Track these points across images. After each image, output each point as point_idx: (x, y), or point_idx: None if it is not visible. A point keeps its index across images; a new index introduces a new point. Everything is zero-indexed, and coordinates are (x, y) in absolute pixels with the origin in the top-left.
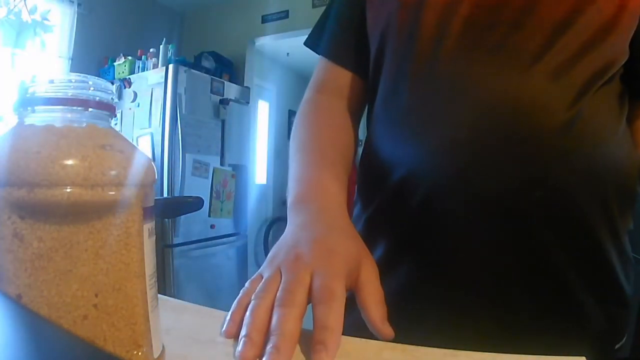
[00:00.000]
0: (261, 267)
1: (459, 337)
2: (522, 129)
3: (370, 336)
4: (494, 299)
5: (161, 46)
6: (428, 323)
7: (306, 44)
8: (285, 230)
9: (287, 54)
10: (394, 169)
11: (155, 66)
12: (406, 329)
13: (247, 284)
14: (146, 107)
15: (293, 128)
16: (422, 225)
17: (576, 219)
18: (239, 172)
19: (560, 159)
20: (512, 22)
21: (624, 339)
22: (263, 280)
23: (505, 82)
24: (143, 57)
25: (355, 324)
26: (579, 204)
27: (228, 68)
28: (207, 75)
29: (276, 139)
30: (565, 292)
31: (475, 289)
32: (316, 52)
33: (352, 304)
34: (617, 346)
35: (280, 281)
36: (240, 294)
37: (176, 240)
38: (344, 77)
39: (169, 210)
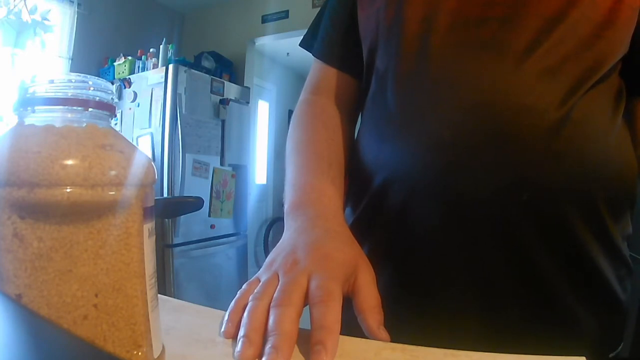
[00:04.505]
0: (259, 272)
1: (443, 344)
2: (509, 128)
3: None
4: (478, 305)
5: (161, 46)
6: (410, 330)
7: (301, 44)
8: (283, 236)
9: (287, 54)
10: (378, 171)
11: (155, 66)
12: (390, 334)
13: (244, 286)
14: (146, 107)
15: (289, 130)
16: (401, 231)
17: (563, 222)
18: (239, 172)
19: (549, 160)
20: (502, 17)
21: (620, 347)
22: (261, 282)
23: (493, 80)
24: (143, 57)
25: (349, 323)
26: (566, 207)
27: (228, 68)
28: (207, 75)
29: (276, 139)
30: (553, 298)
31: (458, 296)
32: (311, 53)
33: (346, 303)
34: (611, 355)
35: (278, 284)
36: (237, 295)
37: (176, 240)
38: (338, 78)
39: (169, 210)
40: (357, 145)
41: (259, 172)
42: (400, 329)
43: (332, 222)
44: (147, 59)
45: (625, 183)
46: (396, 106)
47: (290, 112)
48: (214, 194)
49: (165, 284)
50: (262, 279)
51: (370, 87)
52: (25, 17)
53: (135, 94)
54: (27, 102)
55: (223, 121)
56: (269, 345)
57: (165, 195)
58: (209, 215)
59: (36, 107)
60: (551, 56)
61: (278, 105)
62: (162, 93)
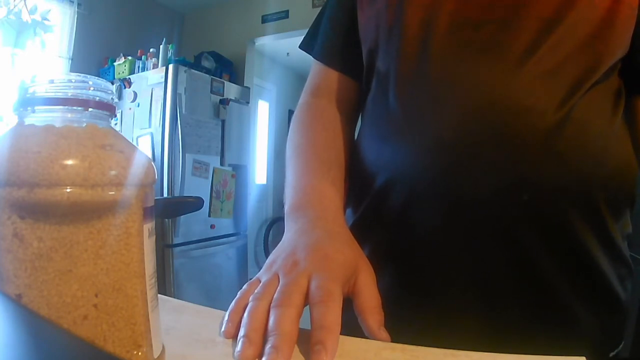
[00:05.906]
0: (259, 273)
1: (443, 344)
2: (509, 129)
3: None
4: (479, 305)
5: (161, 46)
6: (410, 330)
7: (301, 47)
8: (283, 237)
9: (287, 54)
10: (379, 172)
11: (155, 66)
12: (390, 334)
13: (245, 286)
14: (146, 107)
15: (289, 132)
16: (402, 231)
17: (564, 223)
18: (239, 172)
19: (549, 160)
20: (501, 20)
21: (621, 345)
22: (261, 283)
23: (493, 82)
24: (143, 57)
25: (349, 323)
26: (567, 207)
27: (228, 68)
28: (207, 75)
29: (276, 139)
30: (554, 298)
31: (458, 296)
32: (311, 55)
33: (346, 303)
34: (612, 354)
35: (278, 285)
36: (238, 296)
37: (176, 240)
38: (338, 80)
39: (169, 210)
40: (357, 146)
41: (259, 172)
42: (401, 329)
43: (332, 223)
44: (147, 59)
45: (625, 182)
46: (397, 107)
47: (290, 112)
48: (214, 194)
49: (165, 284)
50: (263, 280)
51: (371, 89)
52: (25, 17)
53: (135, 94)
54: (27, 102)
55: (223, 121)
56: (269, 345)
57: (165, 195)
58: (209, 215)
59: (36, 107)
60: (550, 57)
61: (278, 105)
62: (162, 93)
